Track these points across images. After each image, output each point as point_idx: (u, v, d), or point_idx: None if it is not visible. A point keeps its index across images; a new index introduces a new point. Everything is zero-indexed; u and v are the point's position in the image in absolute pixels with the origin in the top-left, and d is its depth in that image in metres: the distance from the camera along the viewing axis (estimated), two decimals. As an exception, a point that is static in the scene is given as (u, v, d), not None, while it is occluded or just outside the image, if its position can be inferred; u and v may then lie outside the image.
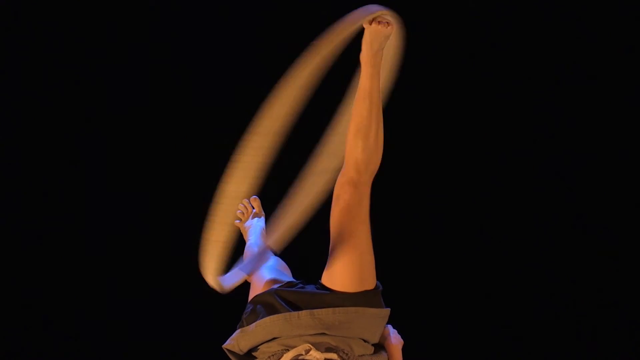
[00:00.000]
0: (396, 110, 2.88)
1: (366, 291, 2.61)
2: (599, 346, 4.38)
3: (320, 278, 2.73)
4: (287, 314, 2.60)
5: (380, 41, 2.55)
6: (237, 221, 3.73)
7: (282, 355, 2.56)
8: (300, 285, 2.79)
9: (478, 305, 4.33)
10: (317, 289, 2.69)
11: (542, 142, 4.38)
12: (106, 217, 4.55)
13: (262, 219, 3.73)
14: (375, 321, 2.65)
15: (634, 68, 4.37)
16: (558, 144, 4.42)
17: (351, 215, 2.54)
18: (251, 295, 2.89)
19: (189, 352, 4.24)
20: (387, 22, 2.54)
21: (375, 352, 2.68)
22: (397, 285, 2.73)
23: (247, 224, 3.70)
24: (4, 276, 4.55)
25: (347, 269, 2.59)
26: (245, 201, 3.78)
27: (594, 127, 4.46)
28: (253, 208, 3.76)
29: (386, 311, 2.67)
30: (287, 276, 3.05)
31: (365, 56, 2.54)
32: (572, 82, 4.46)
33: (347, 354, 2.58)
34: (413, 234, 2.99)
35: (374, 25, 2.52)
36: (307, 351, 2.55)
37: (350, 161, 2.53)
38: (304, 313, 2.59)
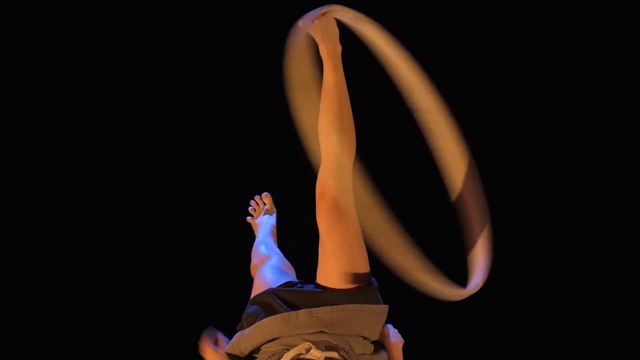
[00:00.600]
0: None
1: (363, 288, 2.61)
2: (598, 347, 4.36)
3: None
4: (286, 314, 2.60)
5: (328, 34, 2.56)
6: (249, 217, 3.76)
7: (282, 355, 2.56)
8: (300, 284, 2.79)
9: (479, 305, 4.31)
10: (315, 287, 2.71)
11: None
12: (106, 216, 4.60)
13: (274, 215, 3.75)
14: (374, 318, 2.64)
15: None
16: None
17: (338, 210, 2.52)
18: (253, 295, 2.91)
19: (189, 351, 4.27)
20: (318, 15, 2.54)
21: (375, 350, 2.67)
22: (398, 284, 2.73)
23: (258, 220, 3.72)
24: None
25: (339, 265, 2.58)
26: (257, 197, 3.81)
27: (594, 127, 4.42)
28: (265, 204, 3.79)
29: (384, 308, 2.66)
30: (289, 276, 3.06)
31: (323, 51, 2.56)
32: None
33: (347, 353, 2.57)
34: (414, 233, 2.99)
35: (310, 26, 2.54)
36: (308, 350, 2.55)
37: (329, 155, 2.53)
38: (302, 312, 2.58)
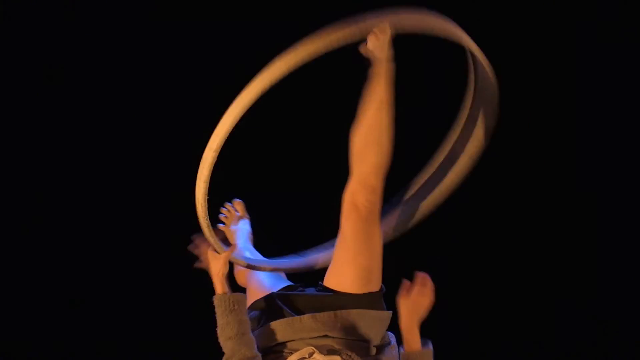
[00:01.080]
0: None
1: (368, 293, 2.66)
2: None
3: (320, 280, 2.78)
4: (290, 318, 2.64)
5: (385, 51, 2.57)
6: (221, 225, 3.70)
7: (285, 359, 2.59)
8: (301, 288, 2.83)
9: (481, 306, 4.35)
10: (318, 291, 2.72)
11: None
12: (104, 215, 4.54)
13: (247, 221, 3.71)
14: (376, 323, 2.70)
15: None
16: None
17: (368, 221, 2.60)
18: (250, 301, 2.89)
19: (189, 354, 4.23)
20: (378, 32, 2.54)
21: (377, 354, 2.72)
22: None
23: (233, 227, 3.67)
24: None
25: (358, 272, 2.64)
26: (228, 205, 3.76)
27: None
28: (237, 211, 3.74)
29: (388, 314, 2.72)
30: (285, 280, 3.10)
31: (380, 69, 2.58)
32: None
33: (350, 357, 2.61)
34: (417, 235, 3.02)
35: (373, 39, 2.54)
36: (311, 354, 2.59)
37: (366, 168, 2.59)
38: (306, 317, 2.63)
